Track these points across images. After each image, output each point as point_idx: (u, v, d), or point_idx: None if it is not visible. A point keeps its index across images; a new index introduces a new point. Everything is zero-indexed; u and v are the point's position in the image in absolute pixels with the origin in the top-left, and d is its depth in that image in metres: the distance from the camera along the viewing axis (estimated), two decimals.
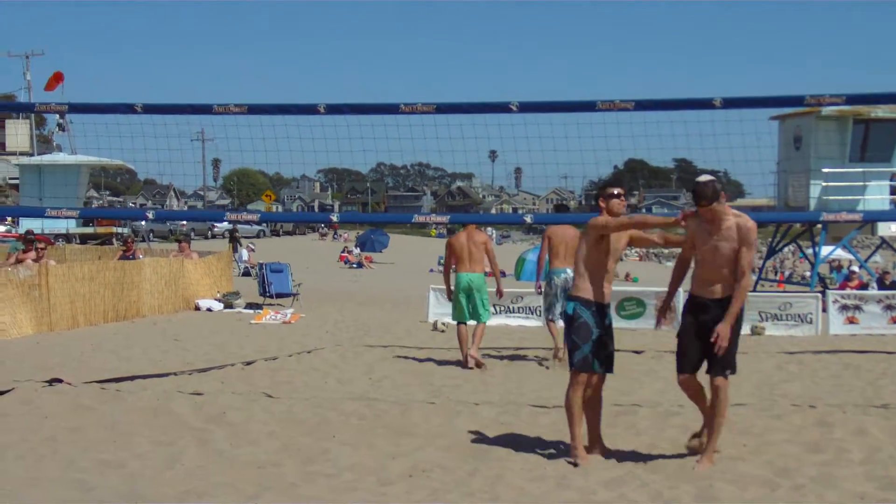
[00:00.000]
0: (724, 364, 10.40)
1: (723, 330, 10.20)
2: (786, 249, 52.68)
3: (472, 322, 18.40)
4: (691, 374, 10.70)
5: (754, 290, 37.70)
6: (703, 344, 10.42)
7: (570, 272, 17.67)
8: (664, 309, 11.31)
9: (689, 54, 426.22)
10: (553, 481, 9.93)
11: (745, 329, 23.26)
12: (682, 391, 10.98)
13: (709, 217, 10.32)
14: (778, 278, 61.58)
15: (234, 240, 67.04)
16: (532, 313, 25.34)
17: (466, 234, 18.63)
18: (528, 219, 18.16)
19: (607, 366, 11.22)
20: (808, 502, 9.19)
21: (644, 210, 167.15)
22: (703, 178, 10.31)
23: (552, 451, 11.26)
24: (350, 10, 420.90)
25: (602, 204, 11.20)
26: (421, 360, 18.91)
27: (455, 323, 18.86)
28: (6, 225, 57.38)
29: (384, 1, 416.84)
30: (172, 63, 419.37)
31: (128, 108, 18.20)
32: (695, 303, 10.64)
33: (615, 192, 11.20)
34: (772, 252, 45.87)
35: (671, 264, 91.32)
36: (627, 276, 63.30)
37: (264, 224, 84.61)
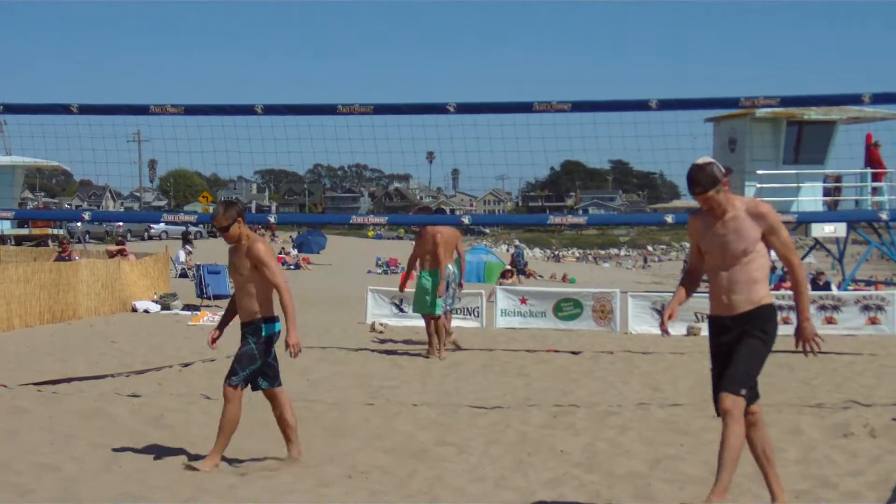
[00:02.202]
0: (734, 377, 8.37)
1: (805, 333, 8.40)
2: None
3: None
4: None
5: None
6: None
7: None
8: (666, 315, 8.96)
9: (627, 57, 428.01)
10: (492, 482, 9.96)
11: (682, 330, 23.55)
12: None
13: (709, 210, 8.43)
14: None
15: (186, 241, 66.76)
16: (470, 314, 25.35)
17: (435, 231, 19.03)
18: (466, 220, 18.18)
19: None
20: (744, 501, 9.26)
21: (581, 212, 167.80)
22: (701, 160, 8.48)
23: (491, 451, 11.29)
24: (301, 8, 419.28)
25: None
26: (359, 362, 18.89)
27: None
28: None
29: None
30: (109, 64, 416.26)
31: (63, 109, 18.10)
32: (714, 325, 8.68)
33: None
34: None
35: (608, 265, 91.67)
36: (565, 277, 63.63)
37: (201, 225, 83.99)
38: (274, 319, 10.67)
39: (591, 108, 18.14)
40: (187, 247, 52.53)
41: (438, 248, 19.14)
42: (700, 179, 8.30)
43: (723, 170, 8.34)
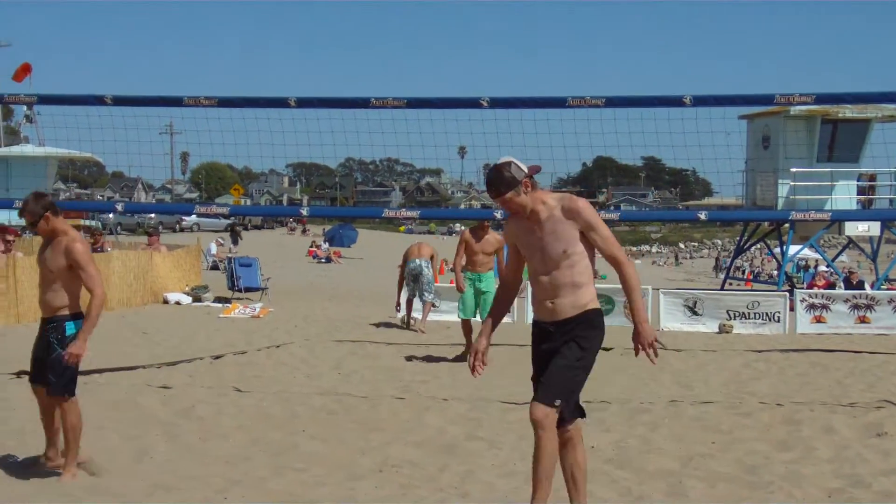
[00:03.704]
0: (548, 387, 7.66)
1: (642, 337, 7.80)
2: (753, 248, 52.90)
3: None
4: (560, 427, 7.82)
5: (721, 289, 37.84)
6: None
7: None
8: (475, 351, 7.96)
9: (660, 54, 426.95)
10: (522, 477, 9.92)
11: (714, 327, 23.48)
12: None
13: (514, 213, 7.78)
14: (746, 277, 61.84)
15: (234, 233, 67.14)
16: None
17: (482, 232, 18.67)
18: (498, 215, 18.10)
19: None
20: (776, 500, 9.22)
21: (613, 208, 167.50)
22: (501, 159, 7.74)
23: (521, 447, 11.26)
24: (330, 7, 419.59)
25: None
26: (390, 356, 18.88)
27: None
28: None
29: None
30: (144, 55, 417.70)
31: (97, 100, 18.13)
32: (537, 331, 7.97)
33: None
34: (740, 251, 46.03)
35: (640, 262, 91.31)
36: (596, 273, 63.39)
37: (233, 218, 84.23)
38: (80, 316, 9.79)
39: (624, 104, 18.08)
40: (219, 239, 52.60)
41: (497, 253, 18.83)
42: (495, 182, 7.64)
43: (524, 169, 7.62)
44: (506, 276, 8.22)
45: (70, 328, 9.69)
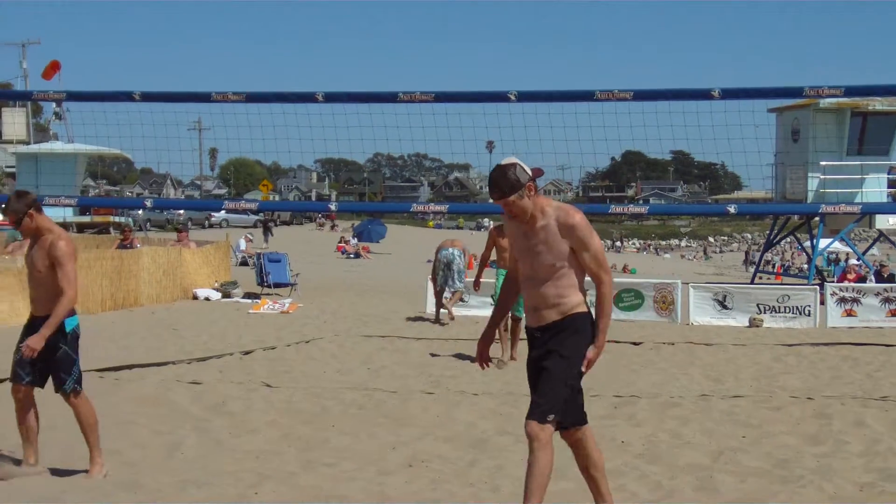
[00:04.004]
0: (540, 403, 7.47)
1: (593, 354, 7.59)
2: (783, 242, 52.75)
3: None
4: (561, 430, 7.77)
5: (752, 283, 37.77)
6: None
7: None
8: (482, 342, 8.03)
9: (688, 47, 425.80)
10: (554, 472, 9.91)
11: (744, 321, 23.42)
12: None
13: (514, 216, 7.50)
14: (776, 271, 61.66)
15: (266, 229, 67.35)
16: None
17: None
18: None
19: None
20: (807, 494, 9.18)
21: (642, 202, 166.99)
22: (505, 160, 7.46)
23: (552, 441, 11.24)
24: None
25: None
26: (419, 351, 18.88)
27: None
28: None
29: None
30: (171, 52, 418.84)
31: (126, 96, 18.21)
32: (528, 337, 7.83)
33: None
34: (770, 245, 45.87)
35: (669, 256, 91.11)
36: (625, 267, 63.43)
37: (262, 214, 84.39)
38: (73, 312, 9.74)
39: (653, 97, 18.06)
40: (248, 235, 52.73)
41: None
42: (499, 182, 7.36)
43: (529, 172, 7.38)
44: (511, 269, 8.02)
45: (68, 324, 9.69)
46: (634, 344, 20.05)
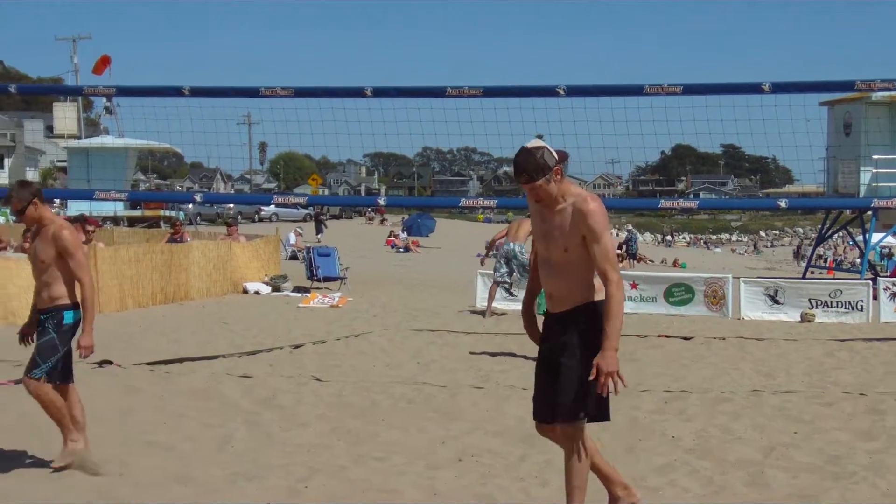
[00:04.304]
0: (570, 403, 7.27)
1: (603, 364, 6.98)
2: (836, 236, 52.43)
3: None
4: (544, 423, 7.61)
5: (804, 277, 37.53)
6: (551, 377, 7.41)
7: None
8: (527, 324, 7.93)
9: (735, 40, 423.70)
10: None
11: (796, 316, 23.29)
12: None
13: (538, 200, 7.28)
14: (828, 265, 61.30)
15: (319, 223, 67.59)
16: None
17: None
18: None
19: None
20: (859, 490, 9.11)
21: (692, 196, 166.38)
22: (531, 143, 7.28)
23: (602, 437, 11.21)
24: None
25: None
26: (469, 345, 18.86)
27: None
28: (55, 207, 57.77)
29: None
30: (220, 46, 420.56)
31: (175, 91, 18.27)
32: (545, 320, 7.64)
33: None
34: (822, 239, 45.63)
35: (720, 250, 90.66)
36: (676, 261, 63.18)
37: (312, 208, 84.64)
38: (77, 307, 9.68)
39: (702, 92, 17.97)
40: (297, 229, 52.84)
41: None
42: (526, 166, 7.17)
43: (555, 155, 7.20)
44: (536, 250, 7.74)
45: (68, 317, 9.59)
46: (685, 339, 19.96)
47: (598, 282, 7.28)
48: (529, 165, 7.15)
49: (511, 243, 22.78)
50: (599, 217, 7.14)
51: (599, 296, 7.28)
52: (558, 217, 7.24)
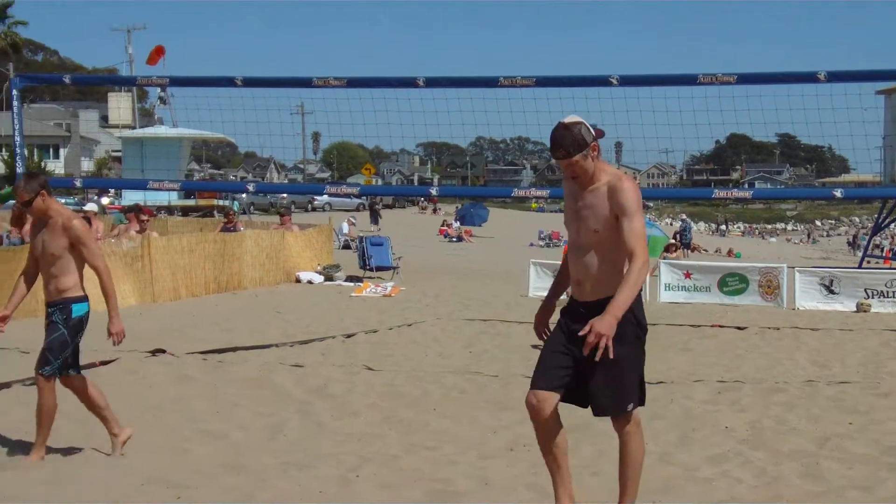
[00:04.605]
0: (621, 396, 7.22)
1: (598, 324, 6.68)
2: (893, 225, 51.99)
3: None
4: (545, 390, 7.22)
5: (860, 267, 37.23)
6: (573, 359, 7.11)
7: None
8: (541, 315, 7.70)
9: (791, 28, 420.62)
10: (655, 457, 9.84)
11: (851, 306, 23.10)
12: (531, 417, 7.43)
13: (574, 177, 7.10)
14: (884, 255, 60.82)
15: (374, 212, 67.74)
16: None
17: None
18: None
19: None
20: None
21: (746, 186, 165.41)
22: (568, 118, 7.13)
23: (654, 426, 11.16)
24: None
25: None
26: (521, 335, 18.82)
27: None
28: (110, 197, 58.15)
29: None
30: (273, 36, 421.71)
31: (228, 82, 18.33)
32: (569, 306, 7.38)
33: None
34: (878, 228, 45.26)
35: (774, 240, 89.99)
36: (730, 251, 62.84)
37: (364, 198, 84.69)
38: (85, 299, 9.67)
39: (757, 81, 17.86)
40: (350, 218, 52.97)
41: None
42: (564, 141, 6.99)
43: (593, 132, 7.06)
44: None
45: (76, 310, 9.55)
46: (739, 328, 19.86)
47: (619, 279, 6.98)
48: (567, 140, 6.99)
49: None
50: (633, 195, 6.95)
51: None
52: (591, 196, 7.06)
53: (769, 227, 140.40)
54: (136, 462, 9.43)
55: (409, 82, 18.07)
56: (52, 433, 9.66)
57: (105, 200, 48.77)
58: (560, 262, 7.78)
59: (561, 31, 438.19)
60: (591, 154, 7.00)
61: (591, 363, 6.89)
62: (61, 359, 9.47)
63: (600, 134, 7.14)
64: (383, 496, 8.53)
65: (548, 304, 7.66)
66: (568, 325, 7.19)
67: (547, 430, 7.33)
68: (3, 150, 73.01)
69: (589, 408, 7.35)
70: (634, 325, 7.15)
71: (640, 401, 7.32)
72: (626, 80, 17.47)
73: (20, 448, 9.56)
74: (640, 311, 7.19)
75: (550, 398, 7.22)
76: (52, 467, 9.19)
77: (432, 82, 17.94)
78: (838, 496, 8.60)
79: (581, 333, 6.77)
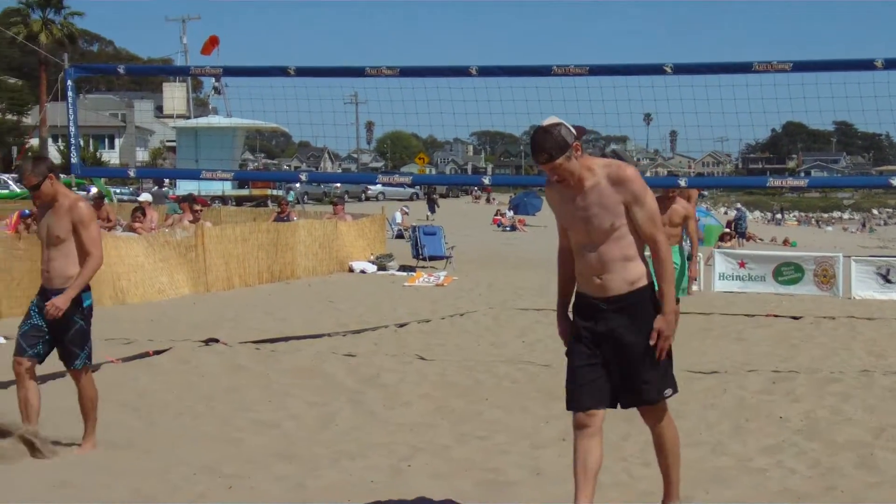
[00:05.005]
0: (654, 388, 7.11)
1: (665, 327, 6.92)
2: None
3: None
4: (594, 408, 7.03)
5: None
6: (601, 365, 7.02)
7: None
8: (564, 323, 7.42)
9: (848, 14, 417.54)
10: (708, 447, 9.78)
11: None
12: (580, 437, 7.07)
13: (561, 180, 6.94)
14: None
15: (431, 201, 67.87)
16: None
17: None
18: (682, 182, 17.86)
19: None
20: None
21: (802, 174, 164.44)
22: (547, 121, 6.93)
23: (707, 416, 11.10)
24: None
25: None
26: None
27: None
28: (166, 187, 58.42)
29: None
30: (326, 26, 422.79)
31: (281, 71, 18.34)
32: (583, 306, 7.18)
33: None
34: None
35: (831, 229, 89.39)
36: (786, 240, 62.46)
37: (418, 187, 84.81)
38: (90, 288, 9.48)
39: (813, 68, 17.70)
40: (403, 208, 52.99)
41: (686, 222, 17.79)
42: (545, 145, 6.78)
43: (573, 131, 6.82)
44: (563, 243, 7.40)
45: (87, 299, 9.43)
46: (794, 318, 19.72)
47: (640, 268, 7.00)
48: (548, 144, 6.78)
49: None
50: (639, 181, 6.90)
51: (647, 280, 7.03)
52: (594, 194, 6.88)
53: (825, 215, 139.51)
54: (188, 452, 9.46)
55: (461, 71, 18.02)
56: (108, 424, 9.72)
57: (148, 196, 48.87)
58: (557, 272, 7.63)
59: (613, 23, 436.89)
60: (574, 154, 6.82)
61: (620, 360, 6.95)
62: (87, 348, 9.46)
63: (581, 132, 7.03)
64: (435, 486, 8.51)
65: (565, 312, 7.45)
66: (590, 327, 7.07)
67: (590, 447, 7.07)
68: (59, 140, 73.60)
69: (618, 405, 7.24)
70: (652, 314, 7.01)
71: (675, 387, 7.25)
72: (680, 69, 17.35)
73: (77, 438, 9.60)
74: (657, 300, 7.06)
75: (600, 415, 7.08)
76: (107, 456, 9.24)
77: (485, 71, 17.89)
78: (893, 487, 8.51)
79: (653, 343, 6.88)
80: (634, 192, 6.85)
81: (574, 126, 6.95)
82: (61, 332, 9.35)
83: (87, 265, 9.31)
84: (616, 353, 6.96)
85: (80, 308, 9.36)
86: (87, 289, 9.42)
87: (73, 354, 9.37)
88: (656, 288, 7.08)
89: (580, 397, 7.06)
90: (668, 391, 7.15)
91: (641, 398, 7.13)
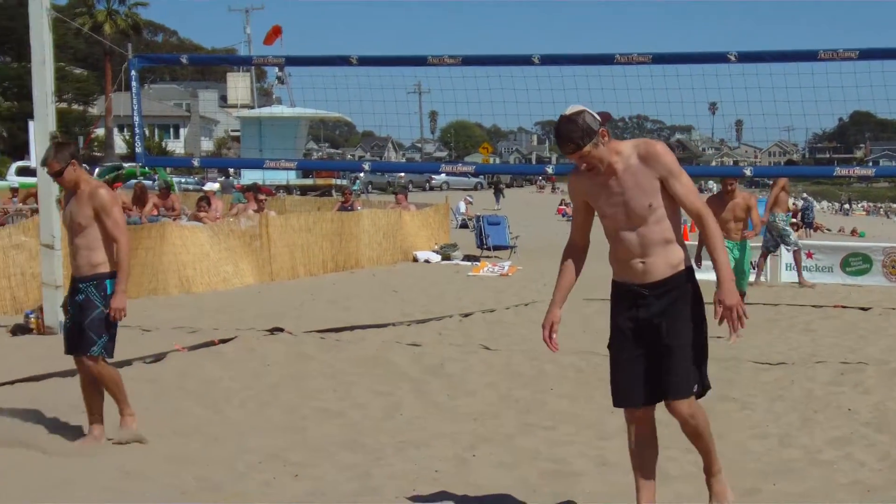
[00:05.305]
0: (683, 381, 6.90)
1: (728, 298, 6.71)
2: None
3: None
4: (645, 405, 7.10)
5: None
6: (645, 358, 6.93)
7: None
8: (549, 324, 7.40)
9: None
10: (776, 439, 9.71)
11: None
12: (635, 434, 7.25)
13: (590, 168, 6.80)
14: None
15: (497, 191, 67.97)
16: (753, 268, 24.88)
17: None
18: (748, 171, 17.73)
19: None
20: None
21: (870, 164, 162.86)
22: (570, 109, 6.76)
23: (775, 408, 11.01)
24: None
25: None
26: None
27: None
28: (232, 177, 58.75)
29: None
30: (389, 14, 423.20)
31: (343, 61, 18.33)
32: (625, 294, 7.09)
33: None
34: None
35: None
36: (854, 231, 61.90)
37: (481, 177, 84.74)
38: (113, 275, 9.37)
39: (880, 56, 17.49)
40: (467, 197, 52.98)
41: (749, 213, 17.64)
42: (572, 135, 6.62)
43: (597, 117, 6.65)
44: (575, 238, 7.49)
45: (111, 286, 9.31)
46: (862, 309, 19.50)
47: (680, 252, 6.88)
48: (574, 133, 6.63)
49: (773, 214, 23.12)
50: (670, 154, 6.78)
51: (686, 263, 6.92)
52: (628, 176, 6.74)
53: (894, 205, 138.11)
54: (254, 440, 9.51)
55: (524, 60, 17.93)
56: (174, 412, 9.78)
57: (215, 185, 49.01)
58: (560, 265, 7.65)
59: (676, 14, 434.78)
60: (602, 140, 6.67)
61: (662, 350, 6.82)
62: (106, 335, 9.34)
63: (607, 118, 6.96)
64: (499, 475, 8.51)
65: (556, 312, 7.40)
66: (632, 316, 6.96)
67: (646, 442, 7.15)
68: (125, 130, 74.14)
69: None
70: (692, 300, 6.91)
71: (704, 383, 7.09)
72: (745, 57, 17.19)
73: (143, 426, 9.64)
74: (697, 284, 6.96)
75: (650, 411, 7.10)
76: (173, 444, 9.30)
77: (548, 60, 17.80)
78: None
79: (717, 318, 6.72)
80: (667, 164, 6.72)
81: (599, 112, 6.82)
82: (82, 317, 9.30)
83: (120, 254, 9.30)
84: (656, 341, 6.83)
85: (105, 295, 9.28)
86: (111, 275, 9.33)
87: (90, 340, 9.27)
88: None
89: (627, 393, 7.07)
90: (697, 387, 6.94)
91: (673, 390, 6.89)
